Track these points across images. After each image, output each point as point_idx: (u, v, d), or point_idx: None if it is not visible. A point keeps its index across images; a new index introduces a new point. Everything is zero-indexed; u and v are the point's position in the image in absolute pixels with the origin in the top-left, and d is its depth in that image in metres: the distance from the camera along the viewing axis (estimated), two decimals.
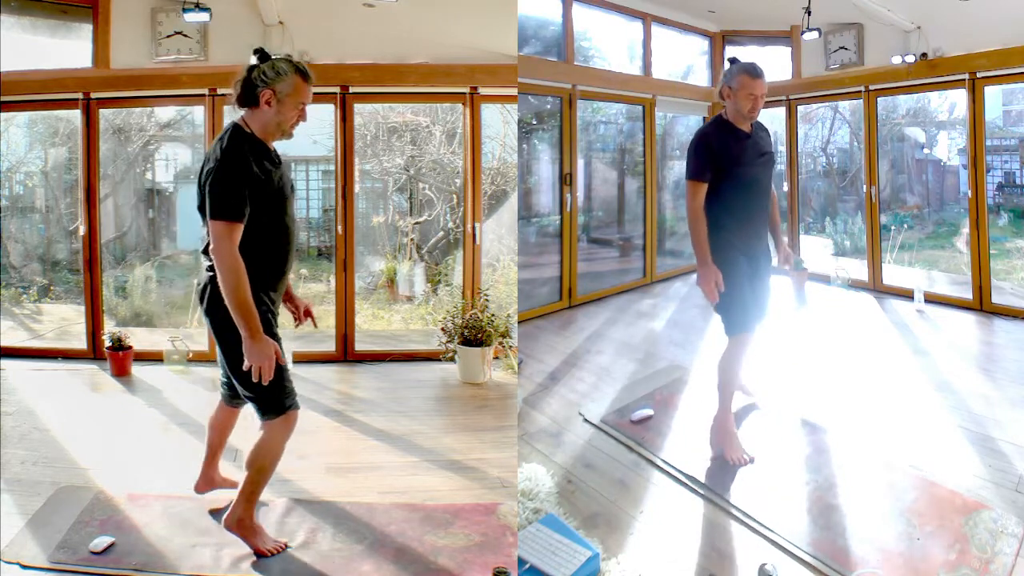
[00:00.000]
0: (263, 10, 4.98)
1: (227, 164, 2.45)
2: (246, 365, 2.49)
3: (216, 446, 3.02)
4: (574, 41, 5.98)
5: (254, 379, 2.50)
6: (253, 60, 2.58)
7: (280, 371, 2.58)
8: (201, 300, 2.63)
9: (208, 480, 3.05)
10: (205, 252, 2.57)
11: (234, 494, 2.76)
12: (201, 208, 2.52)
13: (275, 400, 2.62)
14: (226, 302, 2.45)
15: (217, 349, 2.71)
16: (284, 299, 2.83)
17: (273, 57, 2.59)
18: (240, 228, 2.45)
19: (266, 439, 2.67)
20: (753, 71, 3.00)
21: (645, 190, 6.70)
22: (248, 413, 2.78)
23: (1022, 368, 4.35)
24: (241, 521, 2.71)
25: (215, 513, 2.88)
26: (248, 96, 2.56)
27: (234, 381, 2.67)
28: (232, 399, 2.89)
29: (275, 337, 2.62)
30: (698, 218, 3.01)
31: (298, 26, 5.13)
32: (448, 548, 2.79)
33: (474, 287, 5.45)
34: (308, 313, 2.94)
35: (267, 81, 2.53)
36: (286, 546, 2.76)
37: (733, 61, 3.10)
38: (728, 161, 3.00)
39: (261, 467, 2.69)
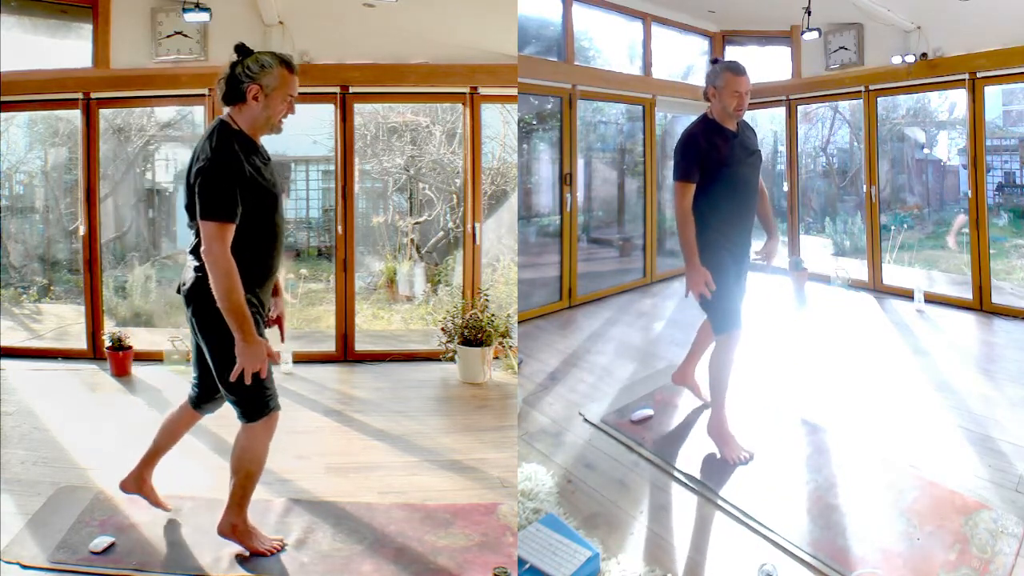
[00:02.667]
0: (263, 10, 4.98)
1: (217, 162, 2.39)
2: (237, 367, 2.45)
3: (162, 448, 2.90)
4: (574, 41, 5.98)
5: (247, 382, 2.47)
6: (235, 57, 2.53)
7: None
8: (188, 301, 2.56)
9: (138, 481, 2.91)
10: (193, 252, 2.54)
11: (153, 511, 2.80)
12: (189, 207, 2.48)
13: (258, 403, 2.60)
14: (219, 304, 2.41)
15: (194, 352, 2.71)
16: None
17: (255, 52, 2.54)
18: (232, 228, 2.40)
19: (249, 442, 2.63)
20: (736, 68, 3.02)
21: (645, 190, 6.70)
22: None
23: (1022, 368, 4.35)
24: (235, 527, 2.69)
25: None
26: (234, 92, 2.50)
27: (219, 384, 2.61)
28: (201, 403, 2.81)
29: (262, 337, 2.58)
30: (687, 220, 3.03)
31: (298, 26, 5.13)
32: (448, 548, 2.79)
33: (474, 287, 5.45)
34: (279, 322, 2.82)
35: (252, 76, 2.48)
36: (283, 544, 2.76)
37: (715, 61, 3.12)
38: (716, 161, 3.01)
39: (248, 472, 2.66)
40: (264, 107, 2.50)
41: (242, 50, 2.53)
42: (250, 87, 2.48)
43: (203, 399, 2.80)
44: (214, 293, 2.41)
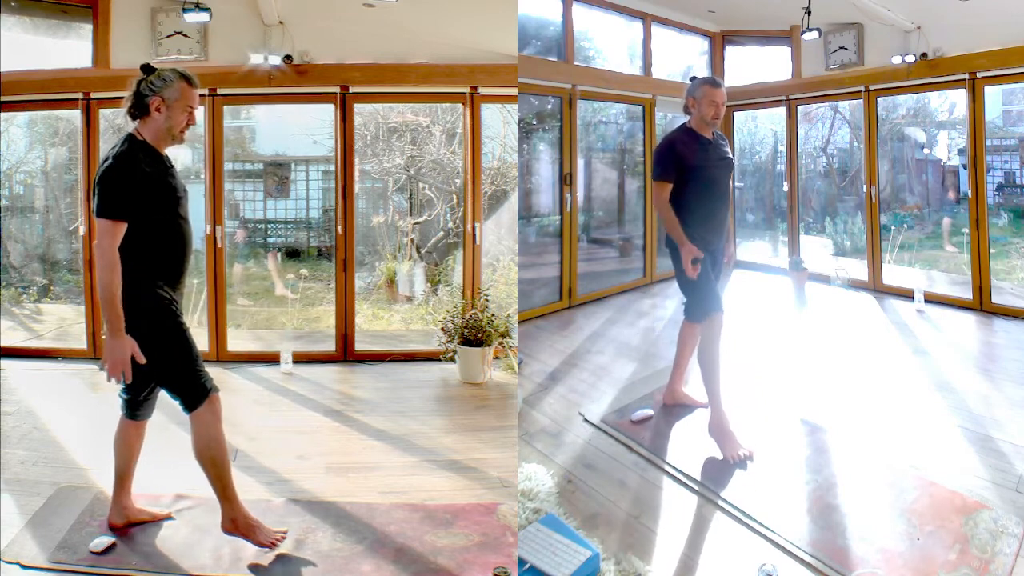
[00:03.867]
0: (263, 10, 4.98)
1: (116, 166, 2.57)
2: (102, 363, 2.56)
3: (125, 471, 2.85)
4: (574, 41, 5.98)
5: (108, 379, 2.56)
6: (141, 75, 2.72)
7: (193, 360, 2.66)
8: None
9: (122, 512, 2.86)
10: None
11: (153, 528, 2.81)
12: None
13: (195, 387, 2.67)
14: (98, 294, 2.54)
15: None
16: None
17: (158, 69, 2.72)
18: (122, 227, 2.54)
19: (202, 430, 2.68)
20: (714, 82, 3.37)
21: (645, 190, 6.70)
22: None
23: (1022, 368, 4.35)
24: (235, 521, 2.71)
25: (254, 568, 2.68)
26: (139, 106, 2.69)
27: (155, 380, 2.71)
28: (134, 411, 2.81)
29: (182, 327, 2.68)
30: (667, 208, 3.33)
31: (298, 26, 5.14)
32: (448, 548, 2.79)
33: (474, 287, 5.45)
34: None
35: (155, 89, 2.67)
36: (285, 535, 2.77)
37: (693, 78, 3.45)
38: (691, 164, 3.32)
39: (213, 459, 2.69)
40: (166, 118, 2.68)
41: (147, 68, 2.72)
42: (152, 100, 2.67)
43: (134, 406, 2.80)
44: (96, 283, 2.55)
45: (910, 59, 5.71)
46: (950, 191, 7.51)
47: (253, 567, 2.63)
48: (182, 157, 6.95)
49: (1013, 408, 3.66)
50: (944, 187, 7.61)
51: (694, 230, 3.31)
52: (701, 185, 3.33)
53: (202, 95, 5.12)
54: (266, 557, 2.69)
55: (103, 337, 2.55)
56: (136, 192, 2.56)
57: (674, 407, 3.72)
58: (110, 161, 2.59)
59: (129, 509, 2.87)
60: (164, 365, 2.65)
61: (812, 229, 7.74)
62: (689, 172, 3.31)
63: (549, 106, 6.12)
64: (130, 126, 2.73)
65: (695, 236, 3.31)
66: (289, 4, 5.04)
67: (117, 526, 2.83)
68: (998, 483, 2.92)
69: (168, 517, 2.93)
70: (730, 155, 3.49)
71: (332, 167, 5.53)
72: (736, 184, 7.51)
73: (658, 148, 3.43)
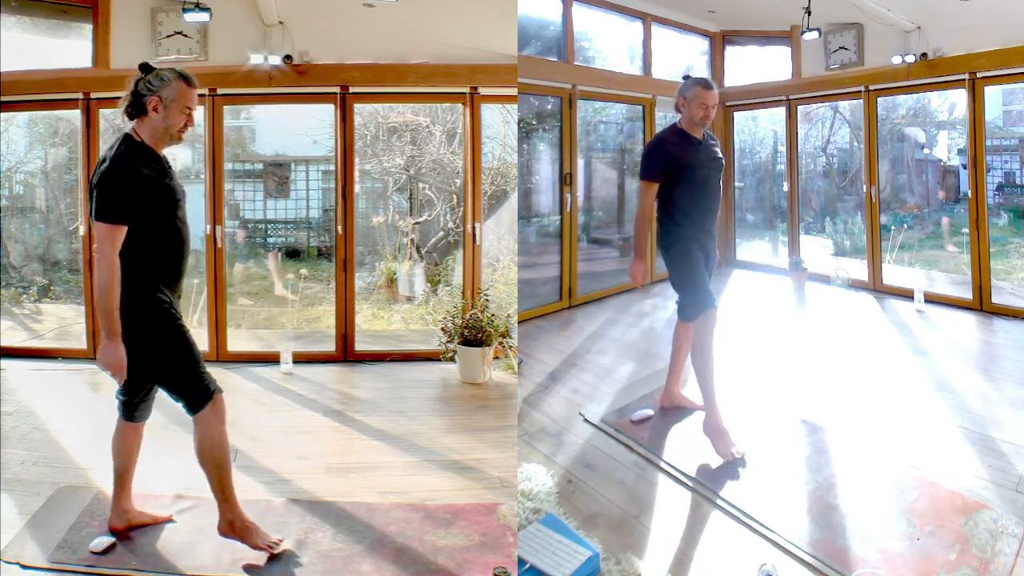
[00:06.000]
0: (263, 10, 4.98)
1: (114, 168, 2.54)
2: (98, 363, 2.57)
3: (124, 473, 2.83)
4: (574, 41, 5.98)
5: (113, 378, 2.57)
6: (139, 75, 2.68)
7: (195, 362, 2.65)
8: None
9: (123, 515, 2.84)
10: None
11: (153, 529, 2.82)
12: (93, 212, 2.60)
13: (198, 389, 2.65)
14: (95, 299, 2.53)
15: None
16: None
17: (157, 68, 2.69)
18: (123, 231, 2.52)
19: (205, 432, 2.67)
20: (706, 84, 3.34)
21: None
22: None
23: (1022, 368, 4.35)
24: (232, 523, 2.70)
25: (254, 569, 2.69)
26: (136, 106, 2.65)
27: (156, 382, 2.71)
28: (132, 413, 2.80)
29: (182, 329, 2.66)
30: (644, 215, 3.36)
31: (298, 26, 5.14)
32: (448, 548, 2.79)
33: (474, 287, 5.45)
34: None
35: (152, 89, 2.64)
36: (280, 542, 2.75)
37: (687, 77, 3.42)
38: (682, 164, 3.30)
39: (215, 461, 2.67)
40: (164, 118, 2.64)
41: (145, 68, 2.68)
42: (150, 99, 2.63)
43: (132, 407, 2.79)
44: (94, 288, 2.53)
45: (910, 59, 5.71)
46: (941, 191, 7.52)
47: (252, 568, 2.63)
48: (182, 157, 6.96)
49: (1013, 408, 3.66)
50: (942, 187, 7.61)
51: (687, 230, 3.33)
52: (693, 185, 3.32)
53: (202, 95, 5.12)
54: (265, 558, 2.68)
55: (102, 343, 2.53)
56: (135, 195, 2.54)
57: (671, 409, 3.72)
58: (108, 163, 2.56)
59: (130, 512, 2.85)
60: (166, 368, 2.64)
61: (812, 229, 7.74)
62: (680, 172, 3.30)
63: (549, 106, 6.12)
64: (128, 126, 2.71)
65: (688, 236, 3.33)
66: (289, 4, 5.04)
67: (118, 529, 2.81)
68: (998, 483, 2.92)
69: (169, 520, 2.92)
70: (720, 156, 3.48)
71: (332, 167, 5.53)
72: (736, 184, 7.51)
73: (647, 147, 3.45)
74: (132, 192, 2.53)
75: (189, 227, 2.76)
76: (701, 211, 3.37)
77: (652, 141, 3.44)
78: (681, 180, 3.30)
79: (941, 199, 7.47)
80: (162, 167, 2.67)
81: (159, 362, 2.63)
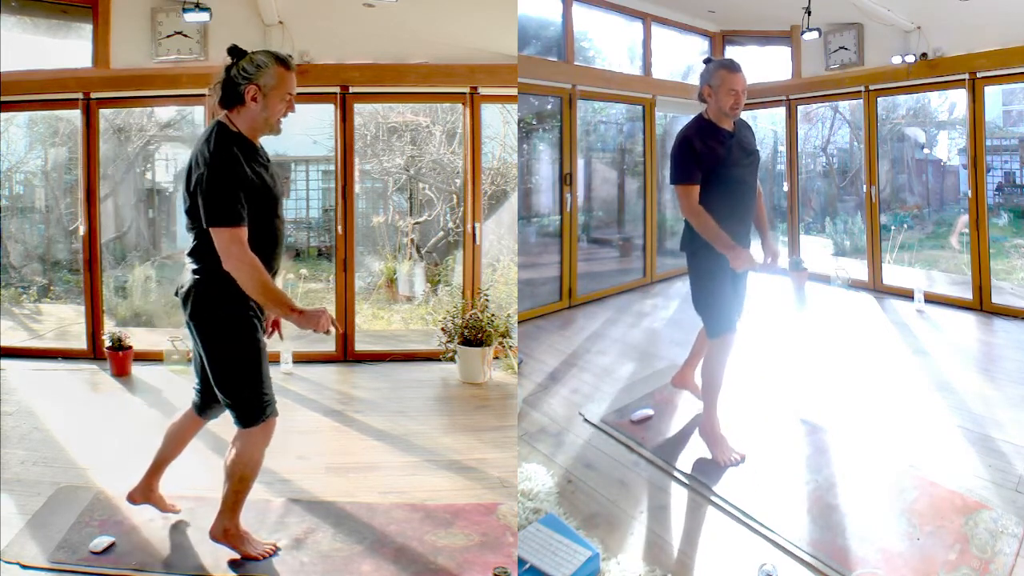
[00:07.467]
0: (263, 10, 4.98)
1: (219, 168, 2.35)
2: (302, 327, 2.46)
3: (167, 457, 2.87)
4: (574, 41, 5.98)
5: (327, 331, 2.49)
6: (229, 60, 2.48)
7: (260, 380, 2.56)
8: (184, 305, 2.54)
9: (146, 491, 2.88)
10: (191, 254, 2.51)
11: (153, 510, 2.83)
12: (189, 212, 2.44)
13: (255, 409, 2.57)
14: (256, 300, 2.44)
15: (195, 357, 2.69)
16: None
17: (250, 52, 2.48)
18: (244, 230, 2.38)
19: (246, 448, 2.60)
20: (732, 66, 2.94)
21: (645, 190, 6.69)
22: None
23: (1022, 368, 4.35)
24: (227, 531, 2.67)
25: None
26: (231, 95, 2.45)
27: (216, 389, 2.59)
28: (204, 409, 2.78)
29: (258, 343, 2.56)
30: (699, 213, 2.93)
31: (298, 26, 5.13)
32: (448, 548, 2.79)
33: (474, 287, 5.45)
34: (276, 325, 2.79)
35: (249, 76, 2.43)
36: (276, 549, 2.73)
37: (708, 60, 3.05)
38: (713, 163, 2.93)
39: (243, 476, 2.63)
40: (263, 108, 2.45)
41: (236, 52, 2.47)
42: (247, 88, 2.42)
43: (206, 405, 2.78)
44: (248, 291, 2.40)
45: (910, 59, 5.70)
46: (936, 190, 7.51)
47: (252, 567, 2.63)
48: (182, 156, 6.96)
49: (1013, 408, 3.66)
50: (942, 187, 7.61)
51: None
52: (725, 185, 2.95)
53: (201, 95, 5.15)
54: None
55: (293, 320, 2.42)
56: (243, 195, 2.37)
57: (673, 402, 3.72)
58: (209, 161, 2.35)
59: (154, 493, 2.90)
60: (231, 378, 2.54)
61: (812, 229, 7.73)
62: (711, 172, 2.92)
63: (549, 106, 6.12)
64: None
65: None
66: (289, 4, 5.04)
67: (136, 501, 2.87)
68: (998, 483, 2.92)
69: (177, 511, 2.94)
70: (756, 148, 3.10)
71: (332, 167, 5.53)
72: None
73: (675, 147, 2.99)
74: (241, 192, 2.37)
75: (285, 225, 2.61)
76: (734, 213, 3.00)
77: (679, 140, 2.99)
78: (712, 180, 2.92)
79: (937, 198, 7.45)
80: (262, 162, 2.51)
81: (225, 370, 2.53)
